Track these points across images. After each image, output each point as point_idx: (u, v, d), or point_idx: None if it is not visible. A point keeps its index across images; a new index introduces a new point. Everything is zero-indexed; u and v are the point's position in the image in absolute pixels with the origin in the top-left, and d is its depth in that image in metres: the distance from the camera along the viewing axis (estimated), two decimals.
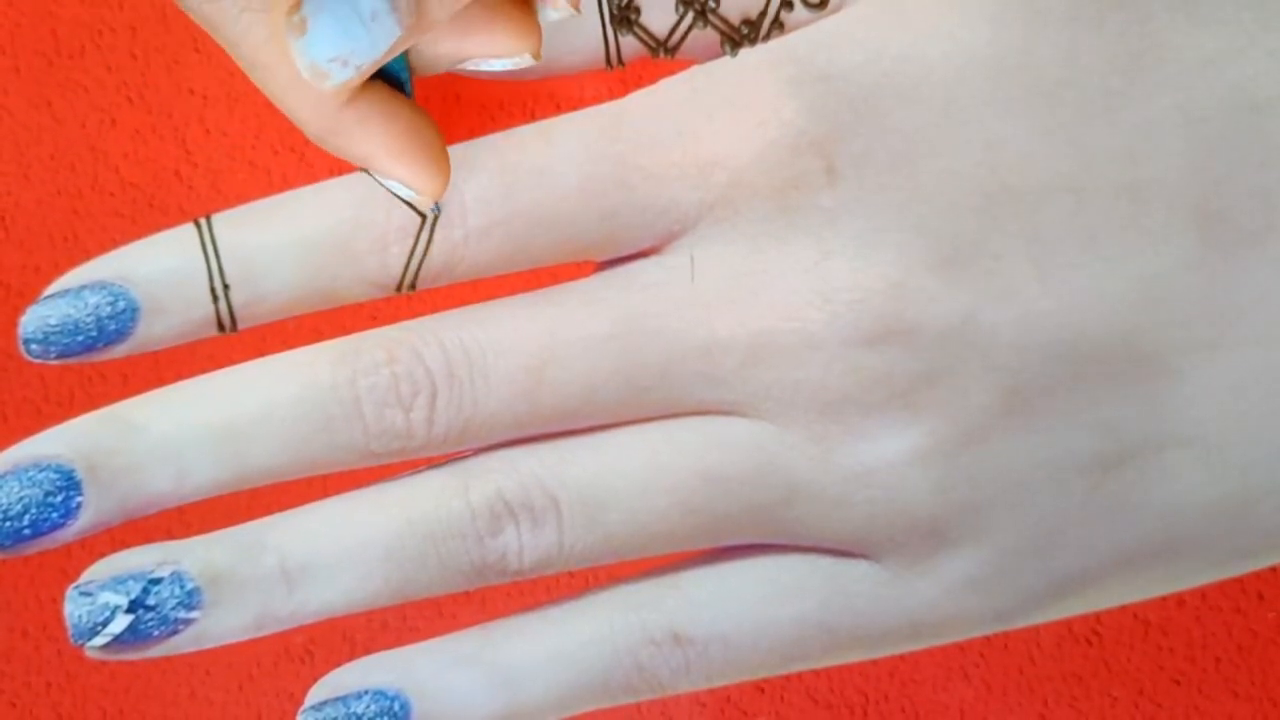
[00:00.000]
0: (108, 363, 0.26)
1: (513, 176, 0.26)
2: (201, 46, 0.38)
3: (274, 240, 0.26)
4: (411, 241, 0.26)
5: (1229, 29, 0.25)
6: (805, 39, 0.26)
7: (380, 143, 0.23)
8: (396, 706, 0.26)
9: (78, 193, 0.38)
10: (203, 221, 0.26)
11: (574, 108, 0.26)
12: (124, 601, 0.26)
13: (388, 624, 0.37)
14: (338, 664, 0.27)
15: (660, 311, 0.26)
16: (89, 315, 0.26)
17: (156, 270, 0.26)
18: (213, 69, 0.38)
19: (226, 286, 0.26)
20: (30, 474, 0.26)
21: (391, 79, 0.24)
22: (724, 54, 0.26)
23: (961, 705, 0.37)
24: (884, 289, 0.25)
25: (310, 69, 0.22)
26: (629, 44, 0.26)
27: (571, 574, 0.27)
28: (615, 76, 0.27)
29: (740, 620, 0.27)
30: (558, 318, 0.26)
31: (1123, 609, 0.37)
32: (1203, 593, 0.37)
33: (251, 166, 0.37)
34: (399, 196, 0.25)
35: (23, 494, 0.25)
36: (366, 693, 0.26)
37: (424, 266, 0.26)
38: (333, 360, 0.26)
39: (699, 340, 0.26)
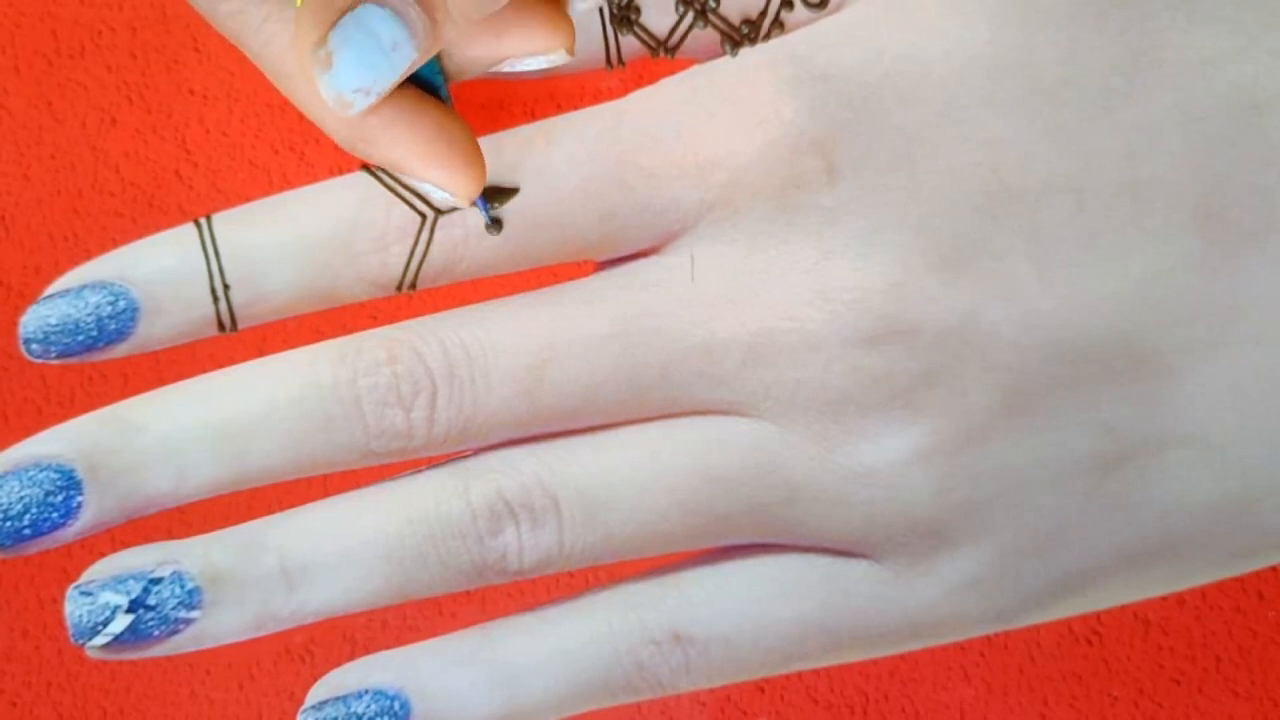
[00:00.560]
0: (108, 363, 0.26)
1: (513, 176, 0.26)
2: (201, 46, 0.38)
3: (274, 240, 0.26)
4: (412, 241, 0.26)
5: (1229, 28, 0.25)
6: (805, 39, 0.26)
7: (409, 147, 0.24)
8: (397, 706, 0.26)
9: (78, 192, 0.38)
10: (203, 221, 0.26)
11: (574, 108, 0.26)
12: (124, 601, 0.26)
13: (388, 624, 0.37)
14: (338, 664, 0.27)
15: (660, 311, 0.26)
16: (89, 315, 0.26)
17: (157, 270, 0.26)
18: (212, 69, 0.38)
19: (227, 286, 0.26)
20: (30, 474, 0.26)
21: (425, 84, 0.24)
22: (724, 54, 0.26)
23: (961, 705, 0.37)
24: (884, 289, 0.25)
25: (336, 100, 0.23)
26: (629, 44, 0.26)
27: (571, 574, 0.27)
28: (615, 76, 0.27)
29: (740, 620, 0.27)
30: (558, 317, 0.26)
31: (1123, 609, 0.37)
32: (1203, 593, 0.37)
33: (251, 166, 0.37)
34: (430, 202, 0.25)
35: (23, 494, 0.25)
36: (367, 692, 0.26)
37: (424, 266, 0.26)
38: (333, 360, 0.26)
39: (699, 340, 0.26)
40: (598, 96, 0.26)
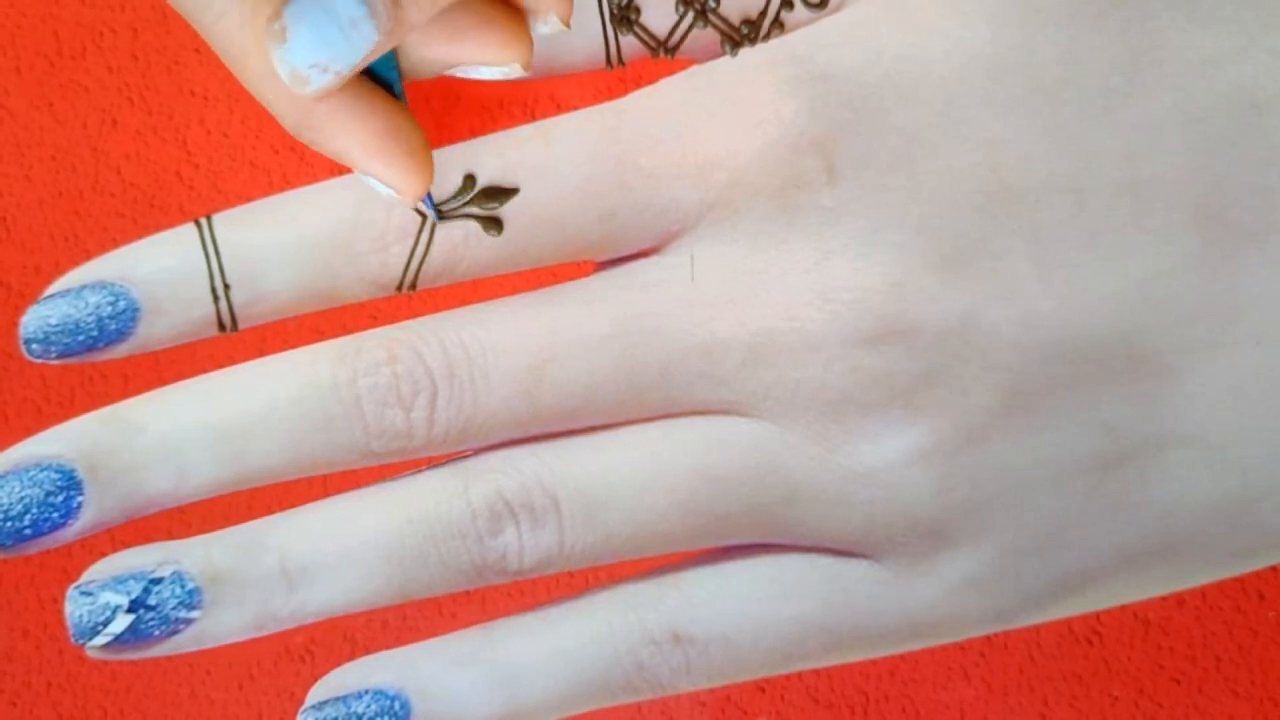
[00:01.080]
0: (108, 363, 0.26)
1: (513, 176, 0.26)
2: (202, 48, 0.38)
3: (274, 240, 0.26)
4: (412, 241, 0.26)
5: (1229, 27, 0.25)
6: (805, 39, 0.26)
7: (355, 139, 0.23)
8: (397, 706, 0.26)
9: (79, 193, 0.38)
10: (203, 221, 0.26)
11: (574, 108, 0.26)
12: (124, 601, 0.26)
13: (388, 624, 0.37)
14: (338, 664, 0.27)
15: (660, 311, 0.26)
16: (90, 315, 0.26)
17: (157, 270, 0.26)
18: (213, 70, 0.38)
19: (227, 286, 0.26)
20: (31, 474, 0.26)
21: (380, 79, 0.24)
22: (724, 54, 0.26)
23: (961, 705, 0.37)
24: (884, 289, 0.25)
25: (291, 75, 0.22)
26: (629, 44, 0.26)
27: (571, 574, 0.27)
28: (615, 76, 0.27)
29: (741, 620, 0.27)
30: (558, 317, 0.26)
31: (1123, 609, 0.37)
32: (1203, 593, 0.37)
33: (251, 166, 0.38)
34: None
35: (23, 494, 0.25)
36: (367, 692, 0.26)
37: (424, 266, 0.26)
38: (333, 360, 0.26)
39: (699, 340, 0.26)
40: (598, 96, 0.26)
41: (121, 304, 0.26)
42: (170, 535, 0.26)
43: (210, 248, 0.26)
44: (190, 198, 0.37)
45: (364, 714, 0.26)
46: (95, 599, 0.26)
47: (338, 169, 0.26)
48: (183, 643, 0.26)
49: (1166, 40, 0.25)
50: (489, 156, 0.26)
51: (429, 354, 0.26)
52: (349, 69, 0.22)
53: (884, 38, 0.25)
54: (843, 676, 0.37)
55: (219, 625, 0.26)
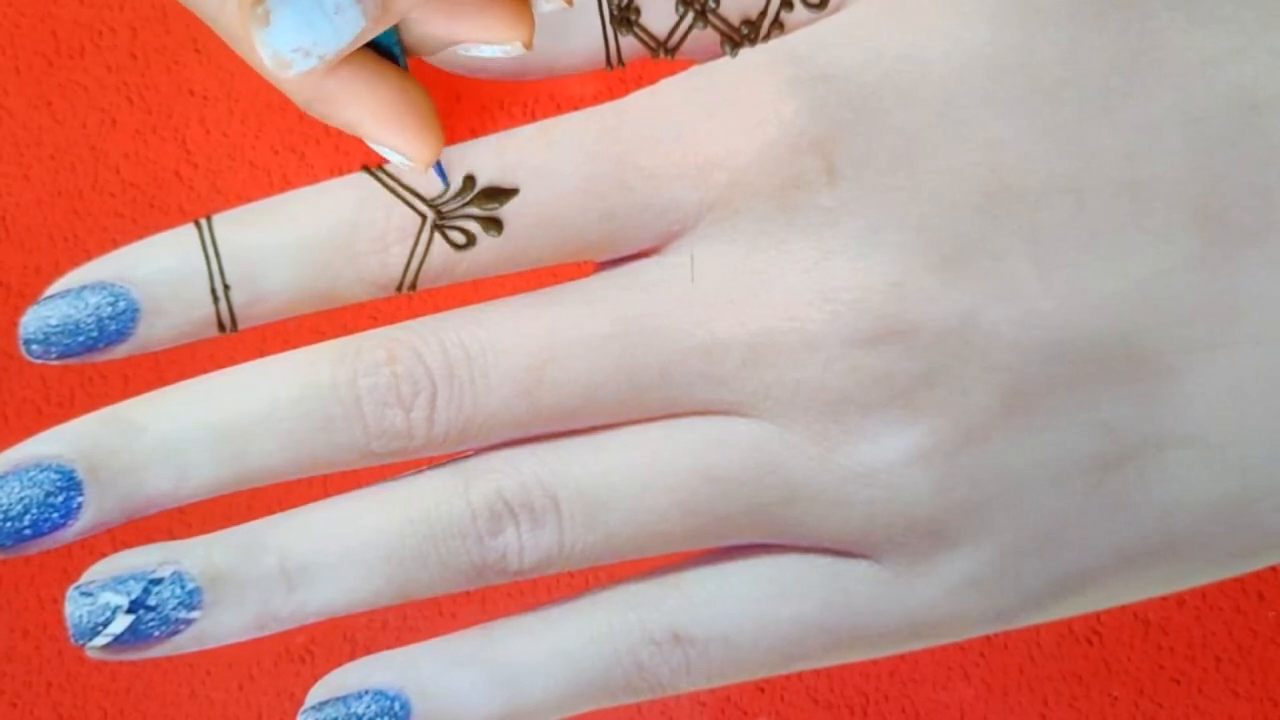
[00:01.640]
0: (108, 363, 0.26)
1: (513, 176, 0.26)
2: (202, 47, 0.38)
3: (274, 240, 0.26)
4: (412, 242, 0.26)
5: (1229, 27, 0.25)
6: (805, 39, 0.26)
7: (367, 109, 0.24)
8: (397, 706, 0.26)
9: (78, 193, 0.38)
10: (203, 222, 0.26)
11: (574, 108, 0.26)
12: (124, 601, 0.26)
13: (388, 624, 0.37)
14: (338, 664, 0.27)
15: (660, 311, 0.26)
16: (89, 315, 0.26)
17: (157, 270, 0.26)
18: (213, 69, 0.38)
19: (227, 287, 0.26)
20: (31, 474, 0.26)
21: (383, 50, 0.24)
22: (724, 54, 0.26)
23: (961, 705, 0.37)
24: (884, 289, 0.25)
25: (273, 59, 0.23)
26: (629, 44, 0.26)
27: (571, 574, 0.27)
28: (615, 76, 0.27)
29: (740, 620, 0.27)
30: (558, 317, 0.26)
31: (1123, 609, 0.37)
32: (1203, 593, 0.37)
33: (251, 166, 0.37)
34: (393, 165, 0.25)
35: (23, 494, 0.25)
36: (367, 693, 0.26)
37: (424, 266, 0.26)
38: (333, 360, 0.26)
39: (699, 340, 0.26)
40: (597, 97, 0.26)
41: (121, 304, 0.26)
42: (170, 535, 0.26)
43: (210, 248, 0.26)
44: (190, 198, 0.37)
45: (364, 714, 0.26)
46: (95, 599, 0.26)
47: (337, 169, 0.26)
48: (183, 643, 0.26)
49: (1166, 40, 0.25)
50: (489, 157, 0.26)
51: (429, 354, 0.26)
52: (334, 53, 0.23)
53: (884, 38, 0.26)
54: (843, 676, 0.37)
55: (219, 625, 0.26)
